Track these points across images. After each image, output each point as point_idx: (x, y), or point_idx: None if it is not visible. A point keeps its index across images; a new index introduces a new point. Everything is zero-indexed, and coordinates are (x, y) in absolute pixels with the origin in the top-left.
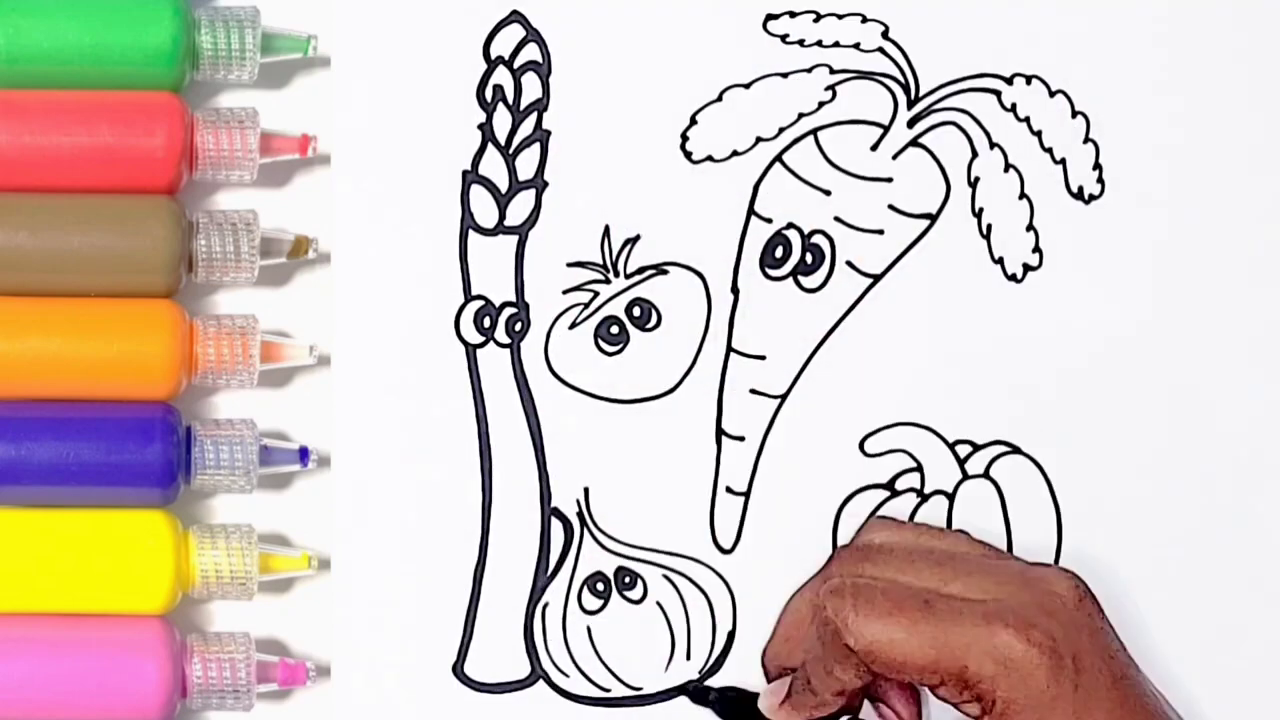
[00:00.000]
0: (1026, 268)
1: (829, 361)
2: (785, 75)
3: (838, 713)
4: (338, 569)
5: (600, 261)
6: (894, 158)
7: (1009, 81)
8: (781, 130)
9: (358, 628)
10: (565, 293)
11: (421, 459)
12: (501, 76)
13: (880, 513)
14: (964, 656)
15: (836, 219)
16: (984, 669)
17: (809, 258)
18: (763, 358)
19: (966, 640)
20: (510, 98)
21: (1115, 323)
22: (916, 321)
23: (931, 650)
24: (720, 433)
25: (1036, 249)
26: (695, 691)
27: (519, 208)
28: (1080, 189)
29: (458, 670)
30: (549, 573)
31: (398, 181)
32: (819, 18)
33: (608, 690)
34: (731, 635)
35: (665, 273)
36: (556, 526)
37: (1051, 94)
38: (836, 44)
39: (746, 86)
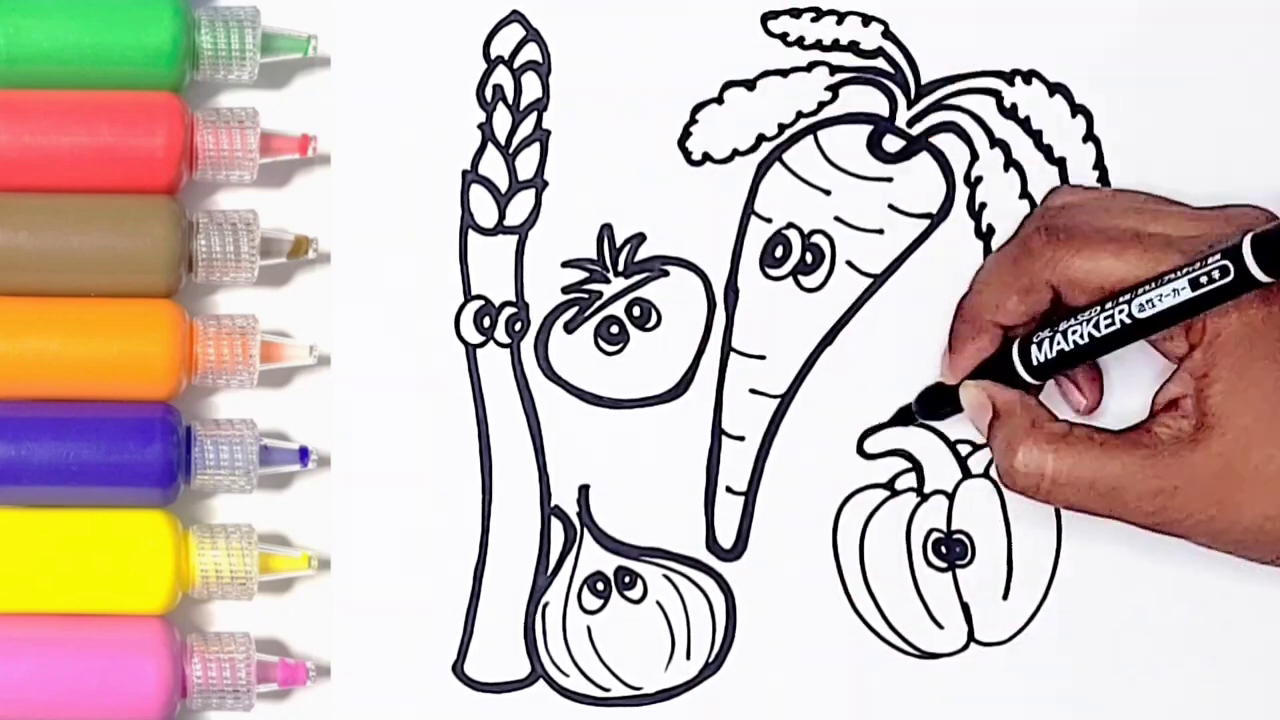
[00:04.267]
0: None
1: (829, 361)
2: (785, 74)
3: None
4: (338, 569)
5: (600, 261)
6: (894, 157)
7: (1009, 80)
8: (781, 129)
9: (358, 628)
10: (565, 292)
11: (421, 459)
12: (501, 76)
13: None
14: None
15: (836, 219)
16: None
17: (809, 257)
18: (763, 358)
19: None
20: (510, 97)
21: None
22: (916, 321)
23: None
24: (720, 433)
25: None
26: (900, 415)
27: (519, 207)
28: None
29: (458, 670)
30: (549, 572)
31: (398, 181)
32: (819, 17)
33: (608, 690)
34: (731, 635)
35: (665, 273)
36: (556, 526)
37: (1051, 93)
38: (836, 43)
39: (746, 86)
